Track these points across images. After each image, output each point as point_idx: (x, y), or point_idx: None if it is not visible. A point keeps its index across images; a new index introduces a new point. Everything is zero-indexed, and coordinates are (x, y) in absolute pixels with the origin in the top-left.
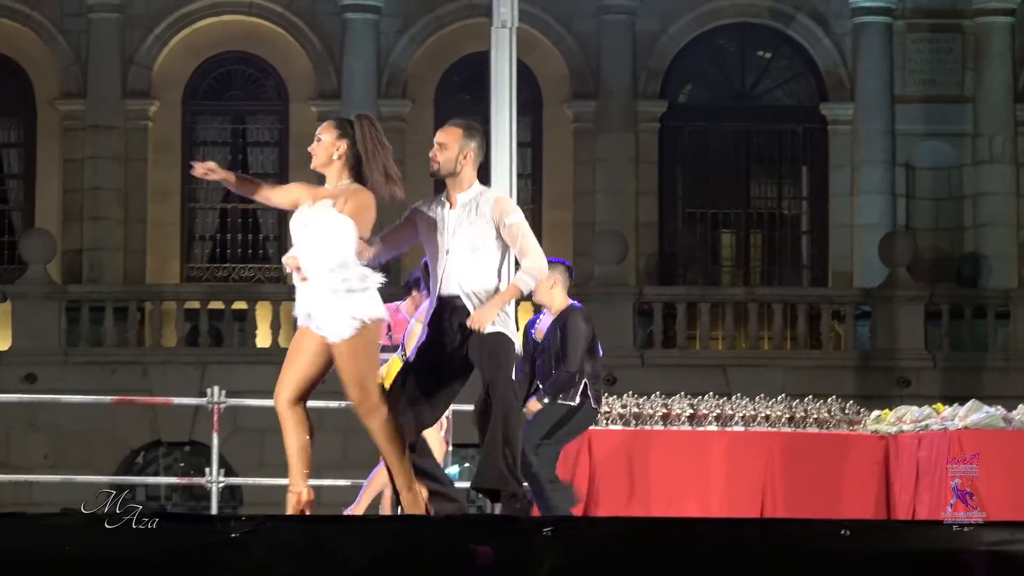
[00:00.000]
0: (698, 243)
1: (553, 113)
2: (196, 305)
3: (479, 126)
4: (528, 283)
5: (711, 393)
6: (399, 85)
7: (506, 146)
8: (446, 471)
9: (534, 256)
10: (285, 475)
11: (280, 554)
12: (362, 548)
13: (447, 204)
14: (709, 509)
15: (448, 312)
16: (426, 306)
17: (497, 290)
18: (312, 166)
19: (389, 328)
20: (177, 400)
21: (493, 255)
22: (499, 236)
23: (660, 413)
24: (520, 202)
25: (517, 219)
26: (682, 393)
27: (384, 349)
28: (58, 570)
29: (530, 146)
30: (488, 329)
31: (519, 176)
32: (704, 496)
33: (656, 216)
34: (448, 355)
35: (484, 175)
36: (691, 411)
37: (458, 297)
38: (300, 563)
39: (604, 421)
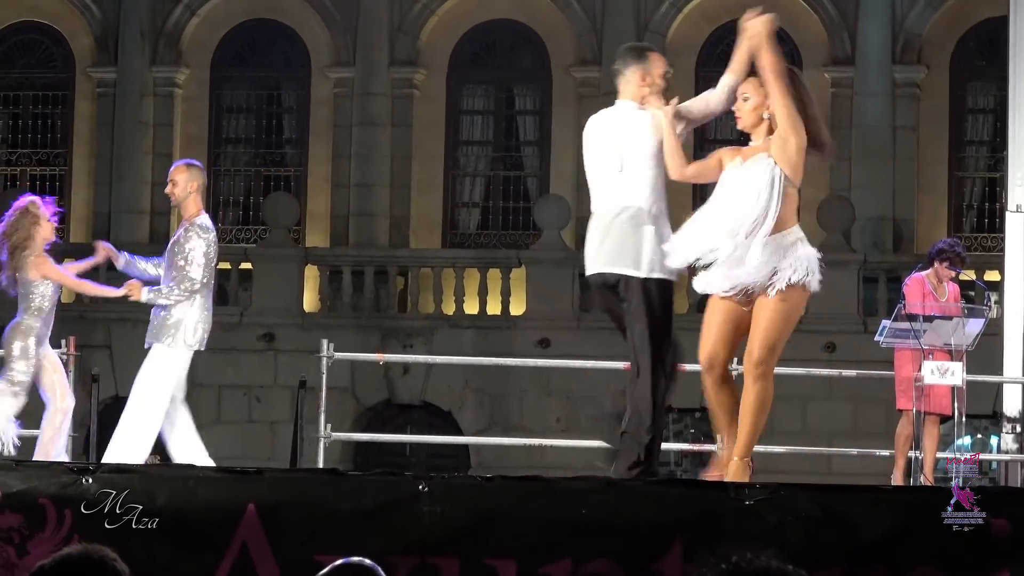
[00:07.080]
0: None
1: None
2: None
3: None
4: None
5: None
6: (914, 51)
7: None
8: (958, 442)
9: None
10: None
11: (793, 521)
12: (875, 517)
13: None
14: None
15: None
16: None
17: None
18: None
19: (903, 296)
20: (690, 367)
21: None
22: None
23: None
24: None
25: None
26: None
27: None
28: (576, 532)
29: None
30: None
31: None
32: None
33: None
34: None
35: (1002, 139)
36: None
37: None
38: (813, 531)
39: None
